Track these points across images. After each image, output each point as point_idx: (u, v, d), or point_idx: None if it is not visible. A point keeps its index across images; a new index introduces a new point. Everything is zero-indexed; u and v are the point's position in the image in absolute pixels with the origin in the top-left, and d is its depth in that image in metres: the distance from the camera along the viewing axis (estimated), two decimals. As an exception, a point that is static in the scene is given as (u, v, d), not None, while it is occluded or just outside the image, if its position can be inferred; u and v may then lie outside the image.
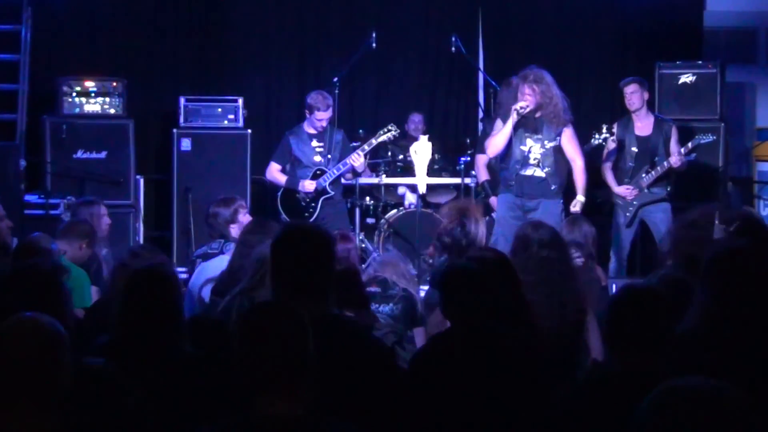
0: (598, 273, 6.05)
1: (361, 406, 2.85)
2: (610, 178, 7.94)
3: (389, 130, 7.94)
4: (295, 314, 2.39)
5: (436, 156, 8.66)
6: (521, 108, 6.88)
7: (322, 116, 7.78)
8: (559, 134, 7.02)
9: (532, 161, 7.00)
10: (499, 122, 7.15)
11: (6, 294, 3.08)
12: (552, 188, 7.01)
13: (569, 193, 7.20)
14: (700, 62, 9.18)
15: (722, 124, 8.76)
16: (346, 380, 2.87)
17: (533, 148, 7.01)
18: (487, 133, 7.57)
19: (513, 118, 6.91)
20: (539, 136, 7.00)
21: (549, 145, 7.01)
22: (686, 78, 8.97)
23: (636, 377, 2.83)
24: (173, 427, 2.97)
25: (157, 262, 4.32)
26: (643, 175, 7.81)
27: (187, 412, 3.04)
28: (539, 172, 7.01)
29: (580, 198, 7.12)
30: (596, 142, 7.74)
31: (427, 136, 8.25)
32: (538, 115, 6.96)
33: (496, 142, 7.03)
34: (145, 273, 3.39)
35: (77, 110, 8.59)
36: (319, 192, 7.83)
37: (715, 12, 9.93)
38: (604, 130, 7.71)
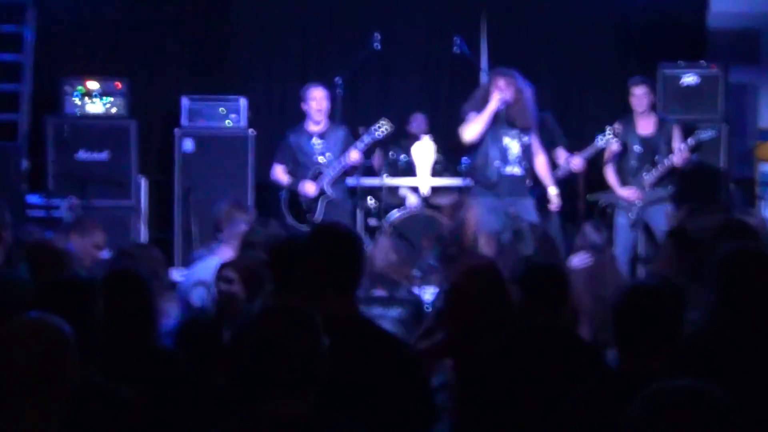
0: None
1: (380, 406, 2.84)
2: (613, 179, 7.93)
3: (382, 125, 7.85)
4: (305, 315, 2.38)
5: (440, 156, 8.65)
6: (502, 97, 7.00)
7: (316, 93, 7.69)
8: (531, 129, 7.20)
9: (511, 158, 7.10)
10: (473, 114, 7.19)
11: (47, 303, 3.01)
12: (528, 185, 7.24)
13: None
14: (703, 63, 9.16)
15: (725, 125, 8.75)
16: (365, 379, 2.87)
17: (511, 144, 7.13)
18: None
19: (494, 105, 7.01)
20: (515, 132, 7.10)
21: (525, 140, 7.20)
22: (689, 78, 8.96)
23: (642, 378, 2.83)
24: (165, 428, 2.96)
25: (125, 263, 4.32)
26: (645, 174, 7.81)
27: (172, 411, 3.04)
28: (518, 170, 7.15)
29: (554, 190, 7.34)
30: (601, 143, 7.74)
31: (429, 136, 8.23)
32: (509, 111, 7.08)
33: (475, 127, 7.09)
34: (114, 275, 3.43)
35: (79, 111, 8.58)
36: (320, 193, 7.80)
37: (719, 13, 9.91)
38: (608, 132, 7.70)
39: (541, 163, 7.38)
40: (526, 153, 7.20)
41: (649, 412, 1.82)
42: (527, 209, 7.10)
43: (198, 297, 4.84)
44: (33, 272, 4.60)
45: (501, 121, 7.11)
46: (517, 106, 7.10)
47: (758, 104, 10.20)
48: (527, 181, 7.26)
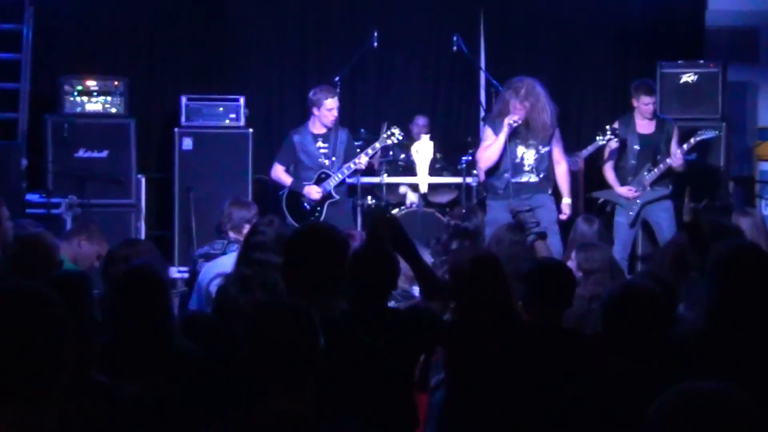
0: None
1: (361, 406, 2.86)
2: (611, 177, 7.93)
3: (392, 134, 7.86)
4: (303, 312, 2.38)
5: (438, 155, 8.66)
6: (513, 122, 6.93)
7: (332, 104, 7.63)
8: (551, 138, 7.11)
9: (526, 168, 7.06)
10: (488, 131, 7.16)
11: None
12: (548, 192, 7.15)
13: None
14: (701, 61, 9.17)
15: (724, 124, 8.75)
16: (348, 379, 2.87)
17: (526, 154, 7.07)
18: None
19: (505, 132, 6.96)
20: (532, 142, 7.06)
21: (543, 150, 7.10)
22: (688, 77, 8.96)
23: (636, 377, 2.84)
24: (171, 425, 2.95)
25: (141, 260, 4.29)
26: (646, 173, 7.81)
27: (183, 409, 3.04)
28: (534, 178, 7.07)
29: (567, 200, 7.25)
30: (601, 142, 7.74)
31: (428, 136, 8.24)
32: (527, 124, 7.00)
33: (489, 155, 7.06)
34: (132, 273, 3.43)
35: (79, 109, 8.58)
36: (325, 196, 7.77)
37: (717, 11, 9.92)
38: (608, 131, 7.70)
39: (561, 172, 7.23)
40: (543, 162, 7.10)
41: (673, 413, 1.82)
42: (548, 207, 7.01)
43: (216, 288, 4.82)
44: (17, 265, 4.56)
45: (516, 133, 7.02)
46: (534, 118, 6.99)
47: (757, 103, 10.21)
48: (546, 187, 7.15)
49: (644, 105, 7.80)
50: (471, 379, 3.68)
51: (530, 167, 7.07)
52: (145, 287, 3.33)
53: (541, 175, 7.09)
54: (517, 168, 7.05)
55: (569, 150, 7.98)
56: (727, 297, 3.16)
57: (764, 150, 9.83)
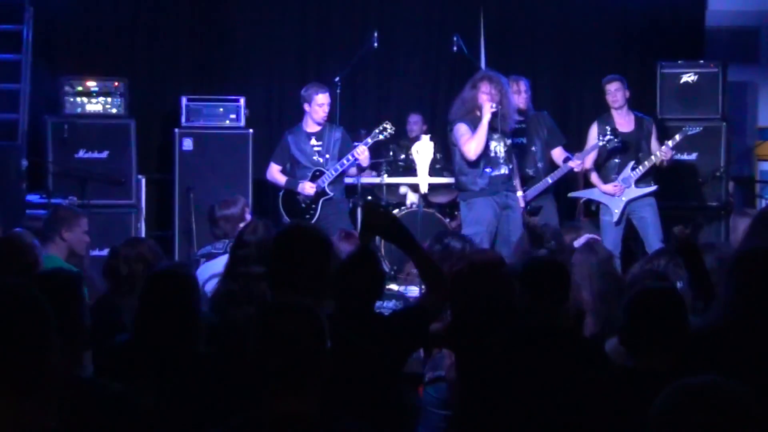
0: None
1: (352, 403, 2.86)
2: (595, 176, 7.96)
3: (384, 129, 7.85)
4: (310, 312, 2.38)
5: (438, 155, 8.65)
6: (494, 107, 6.99)
7: (323, 100, 7.64)
8: (510, 132, 7.24)
9: (501, 161, 7.12)
10: (463, 126, 7.13)
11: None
12: (515, 184, 7.33)
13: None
14: (702, 61, 9.16)
15: (724, 124, 8.75)
16: (339, 378, 2.88)
17: (497, 147, 7.17)
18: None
19: (488, 115, 6.99)
20: (500, 135, 7.16)
21: (509, 142, 7.24)
22: (688, 77, 8.96)
23: (655, 376, 2.84)
24: (188, 427, 2.96)
25: (174, 261, 4.30)
26: (630, 171, 7.83)
27: (201, 412, 3.05)
28: (505, 170, 7.17)
29: (520, 193, 7.49)
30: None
31: (428, 136, 8.23)
32: (499, 114, 7.08)
33: (477, 144, 7.05)
34: (165, 274, 3.43)
35: (79, 110, 8.57)
36: (319, 194, 7.78)
37: (717, 11, 9.92)
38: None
39: (514, 167, 7.46)
40: (510, 154, 7.24)
41: (672, 407, 1.84)
42: (514, 205, 7.22)
43: (211, 289, 4.83)
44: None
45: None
46: (505, 106, 7.09)
47: (757, 103, 10.21)
48: (513, 179, 7.35)
49: (609, 94, 7.89)
50: (474, 382, 3.67)
51: (502, 159, 7.18)
52: (176, 289, 3.34)
53: (510, 167, 7.24)
54: (493, 161, 7.15)
55: (570, 150, 7.99)
56: (746, 294, 3.19)
57: (764, 150, 9.84)
